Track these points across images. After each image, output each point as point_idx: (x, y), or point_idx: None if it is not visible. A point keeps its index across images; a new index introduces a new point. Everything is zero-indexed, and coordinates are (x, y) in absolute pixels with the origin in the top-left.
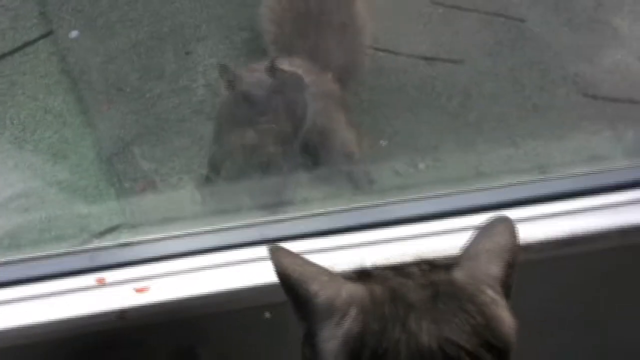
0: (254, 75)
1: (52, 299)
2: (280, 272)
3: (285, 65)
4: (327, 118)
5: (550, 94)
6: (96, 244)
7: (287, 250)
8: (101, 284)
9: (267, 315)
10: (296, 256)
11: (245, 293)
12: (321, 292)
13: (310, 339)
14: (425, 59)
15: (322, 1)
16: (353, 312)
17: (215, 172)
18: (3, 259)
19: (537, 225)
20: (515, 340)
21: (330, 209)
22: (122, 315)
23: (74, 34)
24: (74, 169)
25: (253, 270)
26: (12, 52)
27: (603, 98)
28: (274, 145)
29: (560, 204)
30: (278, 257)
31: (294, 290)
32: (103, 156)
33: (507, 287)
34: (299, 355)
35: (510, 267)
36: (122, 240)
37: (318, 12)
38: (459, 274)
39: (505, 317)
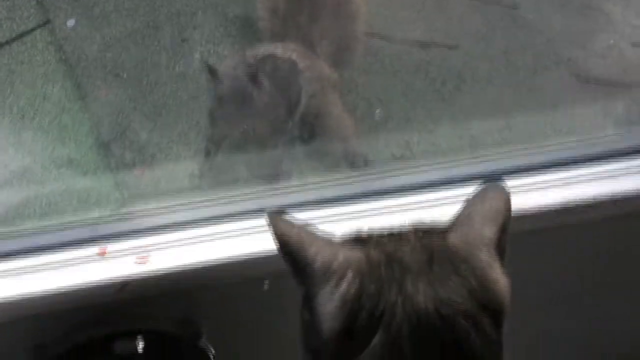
0: (231, 70)
1: (56, 270)
2: (278, 237)
3: (279, 50)
4: (323, 101)
5: (543, 78)
6: (97, 216)
7: (285, 216)
8: (103, 254)
9: (266, 285)
10: (294, 222)
11: (244, 263)
12: (318, 256)
13: (308, 302)
14: (419, 44)
15: None
16: (350, 275)
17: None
18: (6, 230)
19: (530, 195)
20: (510, 301)
21: (327, 180)
22: (124, 285)
23: (70, 23)
24: (72, 155)
25: (252, 241)
26: (9, 42)
27: (596, 82)
28: (265, 132)
29: (553, 173)
30: (276, 222)
31: (292, 255)
32: (101, 141)
33: (500, 250)
34: (297, 324)
35: (504, 230)
36: (123, 212)
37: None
38: (453, 238)
39: (499, 278)
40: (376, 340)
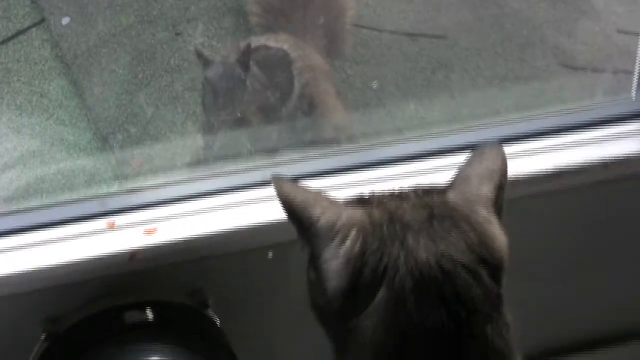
0: (219, 60)
1: (66, 243)
2: (283, 200)
3: (271, 41)
4: (316, 90)
5: (530, 66)
6: (105, 191)
7: (289, 180)
8: (112, 227)
9: (270, 255)
10: (298, 185)
11: (248, 233)
12: (323, 216)
13: (314, 261)
14: (408, 35)
15: None
16: (353, 233)
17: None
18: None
19: (524, 161)
20: (508, 256)
21: (326, 152)
22: (133, 255)
23: (65, 20)
24: (71, 149)
25: (255, 211)
26: (5, 41)
27: (582, 69)
28: (257, 118)
29: (545, 140)
30: (281, 185)
31: (297, 216)
32: (98, 135)
33: (498, 208)
34: (301, 292)
35: (501, 188)
36: (130, 187)
37: None
38: (452, 196)
39: (497, 234)
40: (380, 295)
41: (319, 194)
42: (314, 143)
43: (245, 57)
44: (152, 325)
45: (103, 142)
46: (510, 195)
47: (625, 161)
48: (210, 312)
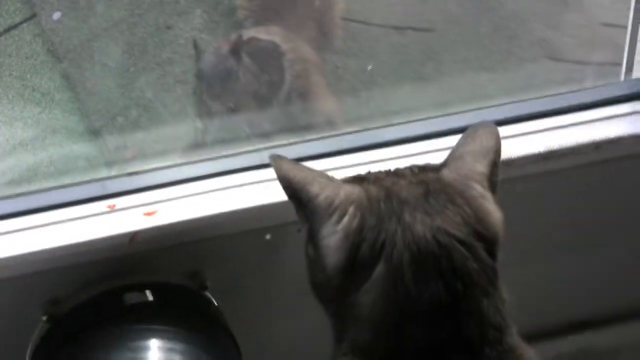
0: (212, 52)
1: (68, 224)
2: (281, 177)
3: (262, 34)
4: (307, 82)
5: (518, 58)
6: (106, 174)
7: (287, 158)
8: (112, 209)
9: (268, 236)
10: (296, 163)
11: (246, 215)
12: (321, 193)
13: (312, 238)
14: (397, 28)
15: None
16: (351, 209)
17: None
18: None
19: (516, 143)
20: (503, 231)
21: (324, 135)
22: (134, 237)
23: (56, 15)
24: (64, 141)
25: (254, 193)
26: None
27: (569, 61)
28: (249, 108)
29: (536, 122)
30: (279, 164)
31: (295, 193)
32: (92, 128)
33: (492, 184)
34: (299, 274)
35: (495, 165)
36: (130, 170)
37: None
38: (447, 173)
39: (492, 209)
40: (378, 270)
41: (316, 172)
42: (306, 131)
43: (237, 48)
44: (152, 306)
45: (96, 134)
46: (503, 177)
47: (616, 142)
48: (209, 293)
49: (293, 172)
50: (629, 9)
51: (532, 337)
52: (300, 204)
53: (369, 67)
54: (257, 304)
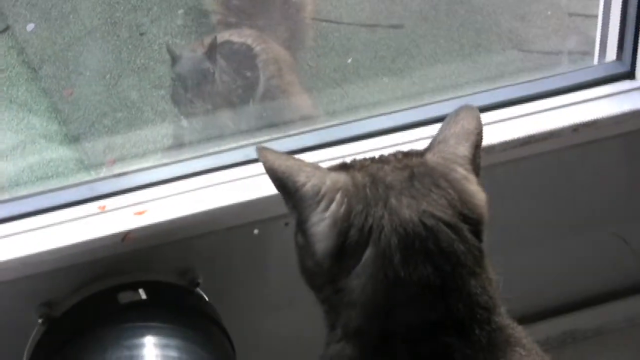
0: (188, 55)
1: (60, 227)
2: (268, 168)
3: (235, 36)
4: (281, 82)
5: (487, 51)
6: (94, 176)
7: (273, 149)
8: (103, 210)
9: (256, 231)
10: (282, 153)
11: (234, 210)
12: (308, 181)
13: (301, 226)
14: (366, 26)
15: None
16: (338, 196)
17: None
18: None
19: (496, 129)
20: (488, 212)
21: (308, 129)
22: (125, 236)
23: (30, 26)
24: (43, 150)
25: (240, 189)
26: None
27: (537, 52)
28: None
29: (515, 108)
30: (265, 155)
31: (283, 183)
32: (71, 135)
33: (475, 165)
34: (288, 266)
35: (477, 147)
36: (118, 171)
37: None
38: (430, 156)
39: (476, 190)
40: (367, 254)
41: (302, 161)
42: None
43: (213, 50)
44: (146, 304)
45: (75, 141)
46: (484, 164)
47: (593, 124)
48: (201, 290)
49: (279, 163)
50: None
51: (518, 322)
52: (288, 193)
53: (349, 60)
54: (248, 298)
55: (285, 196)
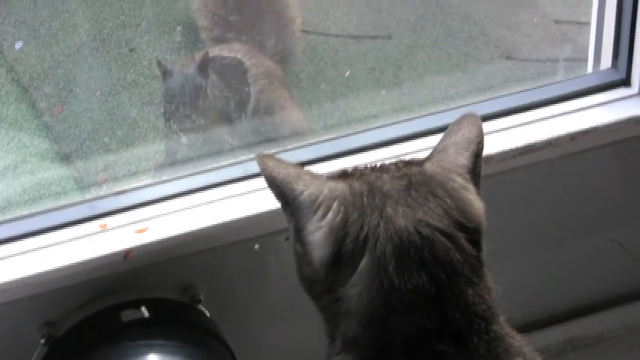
0: (179, 70)
1: (62, 246)
2: (267, 175)
3: (225, 51)
4: (272, 96)
5: (476, 60)
6: (94, 194)
7: (273, 157)
8: (104, 228)
9: (257, 246)
10: (281, 161)
11: (234, 226)
12: (305, 189)
13: (299, 234)
14: (354, 37)
15: None
16: (335, 205)
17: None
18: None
19: (494, 139)
20: (486, 222)
21: (306, 142)
22: (127, 254)
23: (18, 45)
24: (35, 169)
25: (240, 204)
26: None
27: (526, 60)
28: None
29: (513, 117)
30: (265, 162)
31: (281, 190)
32: (62, 154)
33: (475, 175)
34: (289, 281)
35: (477, 156)
36: (117, 189)
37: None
38: (429, 166)
39: (474, 200)
40: (363, 264)
41: (301, 169)
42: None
43: (204, 65)
44: (149, 321)
45: (66, 159)
46: (483, 174)
47: (590, 132)
48: (203, 306)
49: (277, 170)
50: (578, 6)
51: (517, 331)
52: (286, 201)
53: (347, 74)
54: (250, 314)
55: (283, 204)
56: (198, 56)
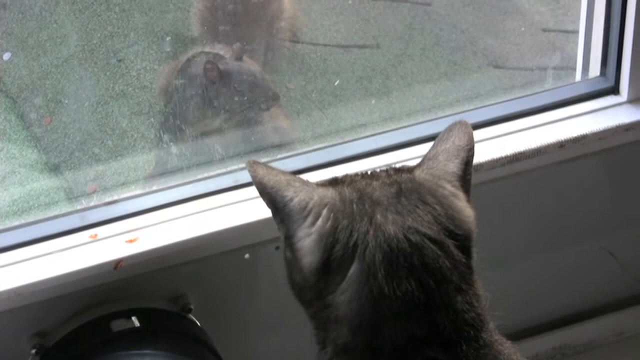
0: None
1: (53, 257)
2: (257, 182)
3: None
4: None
5: (463, 68)
6: (84, 205)
7: (263, 164)
8: (94, 238)
9: (247, 255)
10: (271, 168)
11: (224, 235)
12: (295, 196)
13: (289, 241)
14: (342, 47)
15: (247, 1)
16: (325, 212)
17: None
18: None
19: (484, 147)
20: (476, 229)
21: (296, 152)
22: (118, 264)
23: (6, 56)
24: (24, 180)
25: (230, 214)
26: None
27: (512, 68)
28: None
29: (502, 125)
30: (255, 169)
31: (271, 197)
32: (51, 165)
33: (465, 183)
34: (279, 290)
35: (467, 164)
36: (107, 199)
37: (243, 11)
38: (419, 173)
39: (463, 207)
40: (352, 270)
41: (292, 176)
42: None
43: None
44: (139, 331)
45: (55, 170)
46: (473, 182)
47: (579, 140)
48: (193, 315)
49: (268, 177)
50: (566, 14)
51: (508, 339)
52: (276, 208)
53: (336, 83)
54: (241, 323)
55: (273, 211)
56: (182, 58)
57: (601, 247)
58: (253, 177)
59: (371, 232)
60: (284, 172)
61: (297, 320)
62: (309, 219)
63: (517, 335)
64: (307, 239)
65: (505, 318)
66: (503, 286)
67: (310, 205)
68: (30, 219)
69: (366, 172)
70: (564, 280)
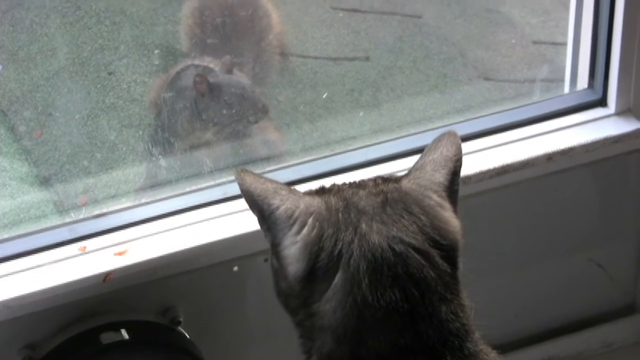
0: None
1: (42, 269)
2: (244, 190)
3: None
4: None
5: (453, 81)
6: (73, 217)
7: (251, 172)
8: (83, 251)
9: (236, 268)
10: (259, 176)
11: (213, 248)
12: (281, 205)
13: (275, 249)
14: (333, 59)
15: (235, 15)
16: (310, 220)
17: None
18: None
19: (472, 159)
20: (462, 239)
21: (286, 163)
22: (107, 277)
23: None
24: (15, 193)
25: (218, 226)
26: None
27: (504, 81)
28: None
29: (490, 138)
30: (243, 177)
31: (257, 205)
32: (41, 178)
33: (452, 193)
34: (267, 302)
35: (455, 174)
36: (97, 212)
37: (232, 25)
38: (406, 183)
39: (449, 217)
40: (337, 279)
41: (279, 185)
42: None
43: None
44: (128, 344)
45: (46, 183)
46: (461, 194)
47: (567, 152)
48: (182, 328)
49: (255, 185)
50: (557, 26)
51: (497, 350)
52: (263, 215)
53: (324, 95)
54: (230, 335)
55: (260, 219)
56: (173, 70)
57: (590, 259)
58: (240, 185)
59: (356, 241)
60: (271, 181)
61: (286, 331)
62: (295, 227)
63: (506, 347)
64: (293, 247)
65: (495, 329)
66: (492, 298)
67: (296, 214)
68: (21, 231)
69: (354, 182)
70: (553, 292)
